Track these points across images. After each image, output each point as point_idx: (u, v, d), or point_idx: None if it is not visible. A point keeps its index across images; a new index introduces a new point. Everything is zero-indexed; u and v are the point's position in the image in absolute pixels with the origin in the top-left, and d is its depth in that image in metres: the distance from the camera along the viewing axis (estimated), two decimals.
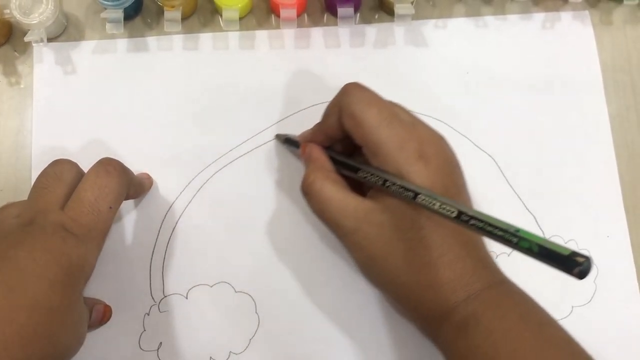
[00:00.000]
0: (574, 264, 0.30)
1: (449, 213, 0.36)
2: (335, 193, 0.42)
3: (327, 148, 0.47)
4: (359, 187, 0.44)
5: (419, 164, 0.40)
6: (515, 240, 0.33)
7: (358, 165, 0.43)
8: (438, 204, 0.37)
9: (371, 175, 0.41)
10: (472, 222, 0.35)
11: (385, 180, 0.40)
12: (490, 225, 0.34)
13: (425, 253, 0.40)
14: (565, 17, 0.56)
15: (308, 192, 0.43)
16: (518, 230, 0.33)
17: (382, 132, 0.41)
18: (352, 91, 0.43)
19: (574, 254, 0.30)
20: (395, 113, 0.42)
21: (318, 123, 0.47)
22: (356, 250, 0.42)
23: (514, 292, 0.41)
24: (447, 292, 0.39)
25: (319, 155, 0.46)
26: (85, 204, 0.41)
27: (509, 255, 0.50)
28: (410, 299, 0.41)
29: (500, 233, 0.34)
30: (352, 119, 0.42)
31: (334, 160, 0.45)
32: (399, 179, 0.39)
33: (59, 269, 0.38)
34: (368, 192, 0.43)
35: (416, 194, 0.38)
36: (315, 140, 0.47)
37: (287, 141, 0.50)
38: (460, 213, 0.36)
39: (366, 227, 0.41)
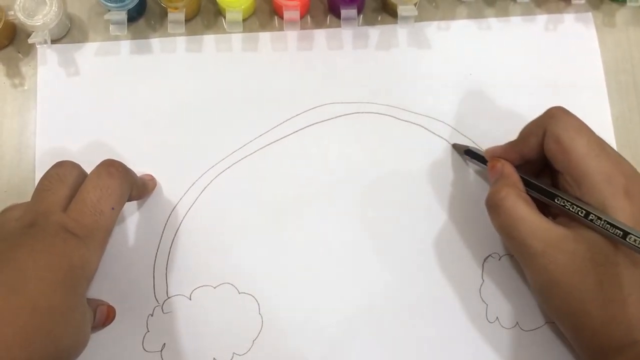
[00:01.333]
0: None
1: None
2: (528, 213, 0.42)
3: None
4: (543, 211, 0.44)
5: (625, 200, 0.40)
6: None
7: (555, 192, 0.43)
8: None
9: (571, 204, 0.41)
10: None
11: (589, 213, 0.40)
12: None
13: (615, 290, 0.40)
14: (568, 19, 0.57)
15: (499, 207, 0.43)
16: None
17: (590, 163, 0.41)
18: (560, 116, 0.43)
19: None
20: (603, 145, 0.42)
21: (513, 141, 0.47)
22: (540, 273, 0.42)
23: None
24: (627, 329, 0.39)
25: (512, 172, 0.46)
26: (88, 205, 0.41)
27: (511, 257, 0.51)
28: (588, 328, 0.41)
29: None
30: (559, 145, 0.42)
31: (525, 181, 0.45)
32: (604, 214, 0.39)
33: (59, 269, 0.39)
34: (555, 218, 0.44)
35: (626, 233, 0.38)
36: (507, 157, 0.47)
37: (468, 153, 0.51)
38: None
39: (555, 253, 0.41)
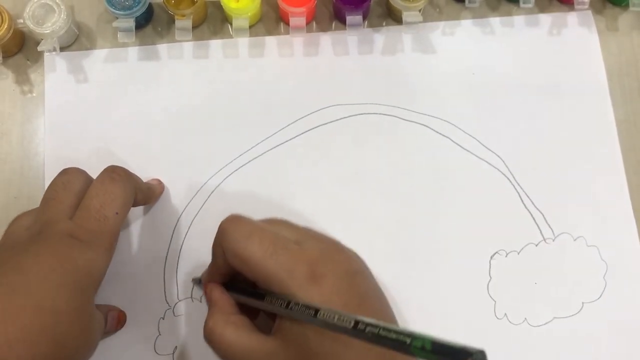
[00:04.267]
0: (467, 356, 0.30)
1: (346, 324, 0.36)
2: (237, 337, 0.42)
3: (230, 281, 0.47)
4: (272, 320, 0.44)
5: (312, 287, 0.40)
6: (408, 340, 0.32)
7: (264, 292, 0.42)
8: (336, 316, 0.36)
9: (277, 299, 0.40)
10: (368, 329, 0.35)
11: (289, 302, 0.39)
12: (384, 329, 0.34)
13: None
14: (572, 23, 0.59)
15: (210, 339, 0.43)
16: (412, 332, 0.33)
17: (268, 265, 0.40)
18: (228, 228, 0.42)
19: (466, 348, 0.30)
20: (279, 239, 0.42)
21: (211, 262, 0.47)
22: None
23: None
24: None
25: (219, 297, 0.45)
26: (92, 211, 0.44)
27: (518, 253, 0.53)
28: None
29: (394, 336, 0.33)
30: (236, 258, 0.42)
31: (242, 291, 0.45)
32: (302, 300, 0.39)
33: (64, 273, 0.40)
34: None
35: (317, 310, 0.37)
36: (213, 279, 0.47)
37: (200, 282, 0.51)
38: (356, 322, 0.35)
39: None
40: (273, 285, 0.40)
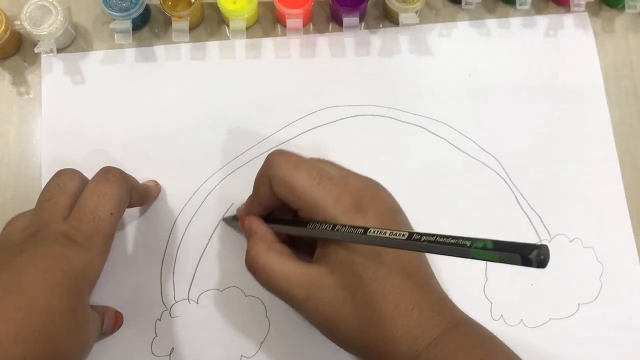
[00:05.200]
0: (531, 250, 0.30)
1: (400, 237, 0.37)
2: (281, 264, 0.43)
3: (267, 216, 0.48)
4: (307, 254, 0.45)
5: (356, 215, 0.42)
6: (468, 243, 0.33)
7: (305, 220, 0.43)
8: (388, 232, 0.37)
9: (320, 225, 0.42)
10: (424, 238, 0.35)
11: (335, 226, 0.41)
12: (441, 236, 0.35)
13: (380, 306, 0.41)
14: (568, 25, 0.60)
15: (253, 267, 0.44)
16: (469, 237, 0.34)
17: (314, 193, 0.42)
18: (276, 159, 0.44)
19: (529, 244, 0.31)
20: (324, 171, 0.44)
21: (251, 195, 0.48)
22: (313, 317, 0.43)
23: (472, 331, 0.42)
24: (409, 342, 0.40)
25: (259, 226, 0.47)
26: (86, 212, 0.44)
27: None
28: (376, 352, 0.42)
29: (453, 241, 0.34)
30: (283, 186, 0.43)
31: (281, 222, 0.47)
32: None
33: (59, 272, 0.41)
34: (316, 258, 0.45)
35: (366, 229, 0.39)
36: (252, 212, 0.48)
37: (235, 218, 0.53)
38: (410, 234, 0.36)
39: (317, 293, 0.42)
40: (318, 213, 0.42)
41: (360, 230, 0.39)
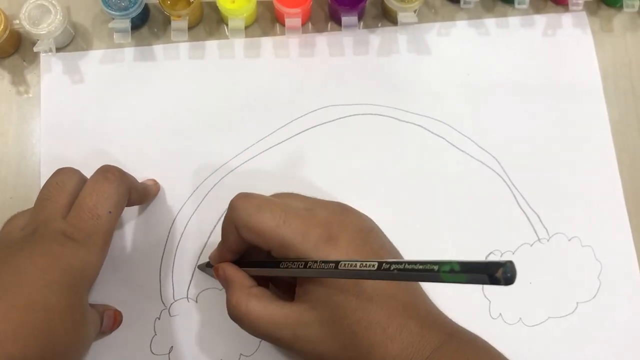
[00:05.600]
0: (497, 268, 0.30)
1: (371, 267, 0.36)
2: (263, 308, 0.43)
3: (241, 258, 0.48)
4: (288, 291, 0.46)
5: (327, 247, 0.42)
6: (436, 267, 0.33)
7: (278, 260, 0.43)
8: (359, 263, 0.37)
9: (292, 263, 0.42)
10: (393, 267, 0.35)
11: (307, 262, 0.40)
12: (410, 262, 0.35)
13: (368, 334, 0.41)
14: (566, 24, 0.60)
15: (236, 316, 0.44)
16: (438, 260, 0.33)
17: (281, 232, 0.42)
18: (239, 204, 0.44)
19: (494, 262, 0.31)
20: (289, 207, 0.44)
21: (220, 242, 0.48)
22: (304, 356, 0.44)
23: (465, 345, 0.43)
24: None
25: (234, 273, 0.46)
26: (85, 210, 0.44)
27: (513, 253, 0.54)
28: None
29: (421, 267, 0.34)
30: (250, 231, 0.43)
31: (255, 264, 0.47)
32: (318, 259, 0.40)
33: (57, 271, 0.41)
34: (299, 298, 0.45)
35: (337, 263, 0.38)
36: (225, 259, 0.48)
37: (209, 265, 0.52)
38: (380, 264, 0.36)
39: (303, 331, 0.42)
40: (289, 251, 0.42)
41: (331, 264, 0.38)
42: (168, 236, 0.53)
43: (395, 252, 0.47)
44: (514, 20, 0.60)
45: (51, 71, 0.57)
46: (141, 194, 0.51)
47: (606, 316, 0.53)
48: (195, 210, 0.54)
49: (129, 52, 0.58)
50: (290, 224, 0.42)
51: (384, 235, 0.46)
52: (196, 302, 0.52)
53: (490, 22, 0.60)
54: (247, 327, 0.44)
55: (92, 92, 0.57)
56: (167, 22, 0.58)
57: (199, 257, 0.53)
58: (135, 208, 0.54)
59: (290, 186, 0.55)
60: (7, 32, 0.54)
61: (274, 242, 0.43)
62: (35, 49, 0.54)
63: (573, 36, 0.60)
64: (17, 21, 0.54)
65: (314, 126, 0.56)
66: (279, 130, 0.56)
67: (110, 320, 0.50)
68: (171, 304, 0.52)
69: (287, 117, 0.56)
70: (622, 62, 0.60)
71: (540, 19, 0.60)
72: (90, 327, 0.45)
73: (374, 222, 0.46)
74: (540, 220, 0.55)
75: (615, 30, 0.61)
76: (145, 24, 0.59)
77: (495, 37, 0.60)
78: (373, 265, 0.36)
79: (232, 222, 0.44)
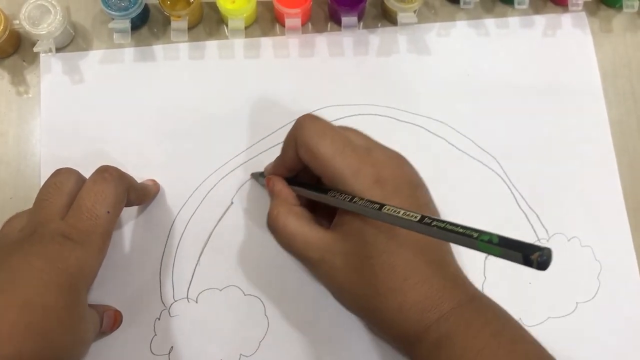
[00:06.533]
0: (534, 251, 0.31)
1: (412, 218, 0.38)
2: (299, 227, 0.46)
3: (292, 179, 0.50)
4: (326, 219, 0.47)
5: (375, 188, 0.43)
6: (475, 235, 0.34)
7: (327, 188, 0.45)
8: (402, 211, 0.38)
9: (339, 194, 0.43)
10: (434, 223, 0.36)
11: (352, 197, 0.42)
12: (451, 224, 0.36)
13: (389, 277, 0.42)
14: (566, 24, 0.60)
15: (273, 227, 0.47)
16: (479, 229, 0.35)
17: (336, 162, 0.44)
18: (305, 124, 0.45)
19: (534, 245, 0.31)
20: (349, 141, 0.45)
21: (278, 156, 0.50)
22: (325, 280, 0.46)
23: (485, 308, 0.43)
24: (417, 314, 0.41)
25: (282, 188, 0.49)
26: (83, 211, 0.44)
27: None
28: (383, 322, 0.44)
29: (461, 230, 0.35)
30: (308, 152, 0.45)
31: (304, 186, 0.48)
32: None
33: (54, 270, 0.41)
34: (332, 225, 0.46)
35: (381, 205, 0.40)
36: (277, 173, 0.50)
37: (262, 175, 0.53)
38: (422, 217, 0.37)
39: (330, 258, 0.44)
40: (338, 182, 0.44)
41: (375, 205, 0.40)
42: (168, 236, 0.53)
43: (437, 213, 0.47)
44: (513, 21, 0.60)
45: (51, 71, 0.57)
46: (140, 194, 0.51)
47: (606, 316, 0.53)
48: (195, 210, 0.54)
49: (129, 52, 0.58)
50: (346, 156, 0.44)
51: (430, 195, 0.47)
52: (196, 302, 0.52)
53: (489, 22, 0.60)
54: (279, 239, 0.47)
55: (91, 93, 0.57)
56: (167, 22, 0.58)
57: (199, 258, 0.53)
58: (135, 208, 0.54)
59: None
60: (7, 32, 0.54)
61: (326, 170, 0.44)
62: (35, 49, 0.55)
63: (573, 36, 0.60)
64: (17, 21, 0.54)
65: None
66: (279, 131, 0.56)
67: (110, 321, 0.50)
68: (171, 304, 0.52)
69: (287, 118, 0.56)
70: (622, 63, 0.60)
71: (540, 20, 0.61)
72: (89, 327, 0.45)
73: (423, 180, 0.47)
74: (540, 220, 0.55)
75: (615, 30, 0.61)
76: (145, 24, 0.59)
77: (494, 38, 0.60)
78: (415, 217, 0.38)
79: (293, 138, 0.46)
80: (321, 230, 0.45)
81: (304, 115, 0.46)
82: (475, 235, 0.34)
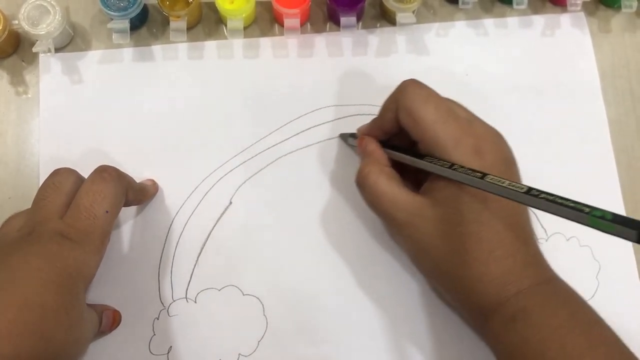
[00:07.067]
0: None
1: (518, 189, 0.38)
2: (389, 187, 0.46)
3: (385, 142, 0.51)
4: (409, 184, 0.48)
5: (474, 159, 0.43)
6: (587, 210, 0.34)
7: (422, 153, 0.46)
8: (507, 182, 0.39)
9: (438, 161, 0.44)
10: (542, 196, 0.37)
11: (452, 164, 0.43)
12: (561, 198, 0.36)
13: (476, 247, 0.43)
14: (565, 24, 0.61)
15: (362, 184, 0.48)
16: (589, 205, 0.34)
17: (438, 129, 0.44)
18: (409, 88, 0.47)
19: None
20: (452, 110, 0.46)
21: (375, 118, 0.51)
22: (408, 242, 0.47)
23: (563, 290, 0.44)
24: (497, 286, 0.42)
25: (375, 149, 0.49)
26: (82, 210, 0.44)
27: None
28: (460, 291, 0.45)
29: (572, 204, 0.35)
30: (409, 116, 0.45)
31: (396, 149, 0.49)
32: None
33: (52, 270, 0.41)
34: (420, 189, 0.47)
35: (484, 174, 0.40)
36: (372, 134, 0.51)
37: (352, 136, 0.54)
38: (529, 189, 0.38)
39: (418, 221, 0.45)
40: (437, 149, 0.45)
41: (478, 174, 0.40)
42: (167, 236, 0.53)
43: None
44: (512, 21, 0.60)
45: (50, 71, 0.57)
46: (138, 194, 0.51)
47: (604, 316, 0.52)
48: (194, 210, 0.54)
49: (128, 52, 0.58)
50: (448, 125, 0.44)
51: (520, 176, 0.48)
52: (195, 302, 0.52)
53: (488, 22, 0.60)
54: (368, 197, 0.48)
55: (91, 93, 0.57)
56: (165, 22, 0.58)
57: (197, 257, 0.53)
58: (133, 208, 0.54)
59: (290, 186, 0.55)
60: (6, 32, 0.54)
61: (427, 135, 0.45)
62: (34, 50, 0.55)
63: (571, 37, 0.60)
64: (16, 21, 0.55)
65: (313, 127, 0.56)
66: (278, 131, 0.56)
67: (109, 320, 0.50)
68: (170, 304, 0.52)
69: (285, 118, 0.56)
70: (620, 63, 0.60)
71: (539, 20, 0.61)
72: (87, 326, 0.45)
73: (516, 160, 0.48)
74: (539, 220, 0.55)
75: (614, 30, 0.61)
76: (144, 25, 0.59)
77: (493, 38, 0.60)
78: (522, 188, 0.38)
79: (395, 101, 0.47)
80: (410, 193, 0.46)
81: (407, 80, 0.47)
82: (587, 210, 0.34)
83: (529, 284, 0.42)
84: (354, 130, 0.54)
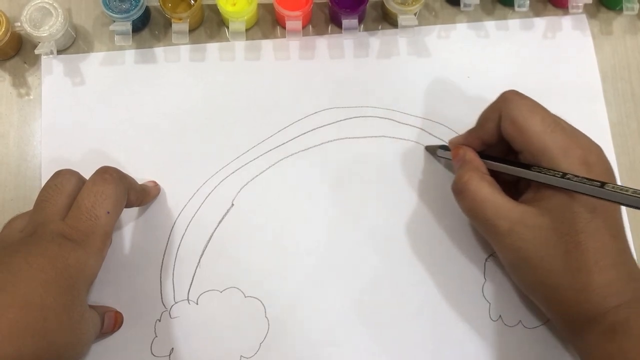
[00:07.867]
0: None
1: None
2: (492, 194, 0.46)
3: (481, 152, 0.50)
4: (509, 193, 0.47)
5: (583, 169, 0.43)
6: None
7: (526, 163, 0.46)
8: (631, 189, 0.38)
9: (547, 171, 0.44)
10: None
11: (565, 174, 0.42)
12: None
13: (581, 257, 0.43)
14: (566, 27, 0.61)
15: (463, 191, 0.47)
16: None
17: (546, 138, 0.44)
18: (513, 98, 0.47)
19: None
20: (558, 121, 0.46)
21: (472, 128, 0.51)
22: (509, 251, 0.46)
23: None
24: (599, 297, 0.42)
25: (474, 157, 0.49)
26: (83, 211, 0.44)
27: None
28: (560, 300, 0.44)
29: None
30: (514, 125, 0.45)
31: (497, 160, 0.49)
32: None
33: (53, 271, 0.41)
34: (520, 197, 0.47)
35: (603, 183, 0.40)
36: (469, 144, 0.51)
37: (443, 147, 0.54)
38: None
39: (521, 229, 0.44)
40: (544, 159, 0.44)
41: (596, 183, 0.40)
42: (169, 238, 0.53)
43: None
44: (513, 23, 0.60)
45: (52, 73, 0.57)
46: (140, 195, 0.51)
47: None
48: (196, 212, 0.54)
49: (130, 54, 0.58)
50: (556, 135, 0.44)
51: None
52: (197, 304, 0.52)
53: (490, 24, 0.60)
54: (467, 204, 0.47)
55: (93, 94, 0.57)
56: (168, 24, 0.58)
57: (199, 259, 0.53)
58: (135, 209, 0.54)
59: (291, 188, 0.55)
60: (9, 34, 0.54)
61: (534, 145, 0.45)
62: (36, 52, 0.55)
63: (573, 39, 0.60)
64: (19, 24, 0.55)
65: (314, 129, 0.57)
66: (280, 133, 0.56)
67: (110, 322, 0.50)
68: (172, 305, 0.52)
69: (287, 120, 0.57)
70: (622, 65, 0.60)
71: (540, 22, 0.61)
72: (89, 327, 0.45)
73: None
74: None
75: (615, 32, 0.61)
76: (146, 27, 0.59)
77: (495, 40, 0.60)
78: None
79: (497, 111, 0.47)
80: (512, 202, 0.46)
81: (509, 90, 0.47)
82: None
83: (631, 297, 0.42)
84: (354, 133, 0.54)
